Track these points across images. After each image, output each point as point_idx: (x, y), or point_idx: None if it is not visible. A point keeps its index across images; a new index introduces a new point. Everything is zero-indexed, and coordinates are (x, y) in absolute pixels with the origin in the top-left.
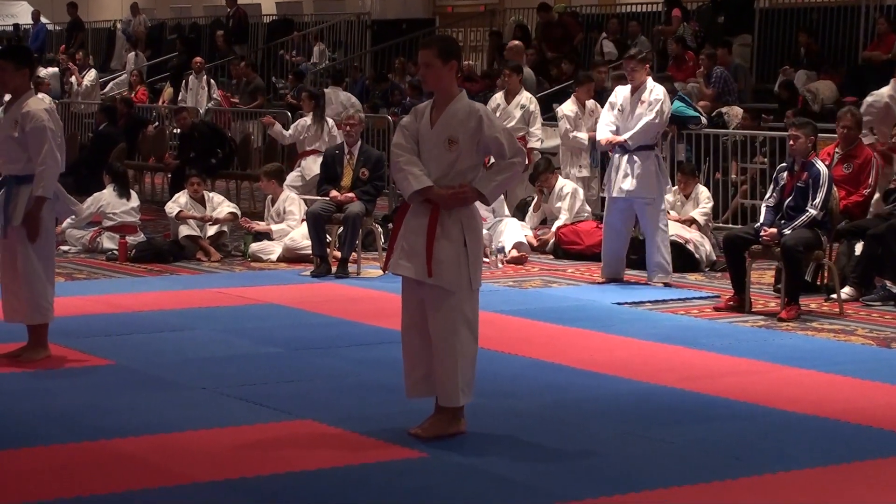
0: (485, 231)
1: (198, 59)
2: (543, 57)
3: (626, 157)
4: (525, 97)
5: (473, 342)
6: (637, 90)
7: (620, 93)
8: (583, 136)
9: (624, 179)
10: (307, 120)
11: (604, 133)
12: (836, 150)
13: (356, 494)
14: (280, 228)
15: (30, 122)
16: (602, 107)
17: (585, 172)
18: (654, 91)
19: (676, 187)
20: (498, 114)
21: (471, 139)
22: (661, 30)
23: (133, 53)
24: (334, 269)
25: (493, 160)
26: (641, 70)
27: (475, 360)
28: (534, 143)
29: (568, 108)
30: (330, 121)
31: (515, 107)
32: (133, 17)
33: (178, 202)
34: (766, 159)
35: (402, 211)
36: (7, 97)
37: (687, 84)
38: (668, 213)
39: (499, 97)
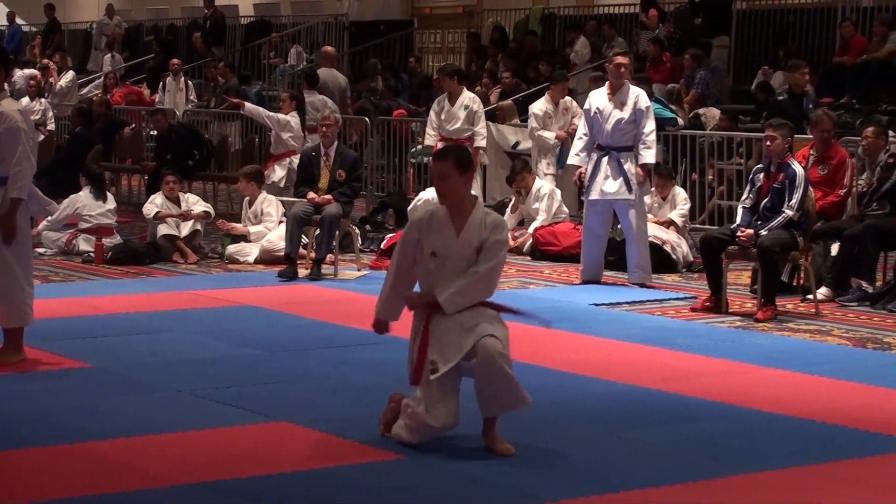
0: None
1: (175, 60)
2: (520, 59)
3: (606, 158)
4: (468, 97)
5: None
6: (615, 92)
7: (595, 98)
8: (549, 135)
9: (605, 182)
10: (291, 120)
11: (573, 160)
12: (811, 152)
13: (334, 496)
14: (257, 230)
15: (3, 123)
16: (576, 104)
17: (552, 170)
18: (641, 98)
19: (654, 189)
20: (443, 116)
21: (483, 244)
22: (642, 22)
23: (109, 55)
24: (305, 270)
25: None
26: (626, 70)
27: None
28: (479, 143)
29: (538, 106)
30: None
31: (459, 108)
32: (109, 18)
33: (155, 203)
34: (742, 160)
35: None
36: None
37: (666, 86)
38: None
39: (441, 99)
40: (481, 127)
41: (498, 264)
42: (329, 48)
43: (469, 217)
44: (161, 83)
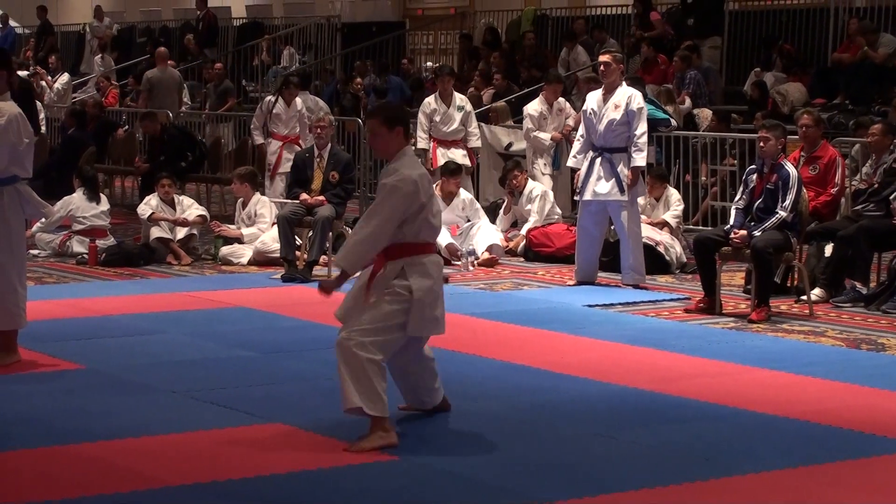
0: (452, 237)
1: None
2: (512, 61)
3: (599, 159)
4: (459, 98)
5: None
6: (609, 93)
7: (591, 98)
8: (544, 136)
9: (598, 182)
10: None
11: (571, 162)
12: (802, 153)
13: (327, 497)
14: (251, 232)
15: None
16: (570, 105)
17: (547, 171)
18: (634, 99)
19: (647, 190)
20: (438, 118)
21: None
22: (645, 23)
23: (99, 56)
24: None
25: None
26: (615, 68)
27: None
28: (475, 143)
29: (533, 107)
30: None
31: (454, 109)
32: (98, 21)
33: (150, 204)
34: (735, 161)
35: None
36: None
37: (660, 86)
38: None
39: (433, 101)
40: (474, 127)
41: (374, 213)
42: (162, 49)
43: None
44: None
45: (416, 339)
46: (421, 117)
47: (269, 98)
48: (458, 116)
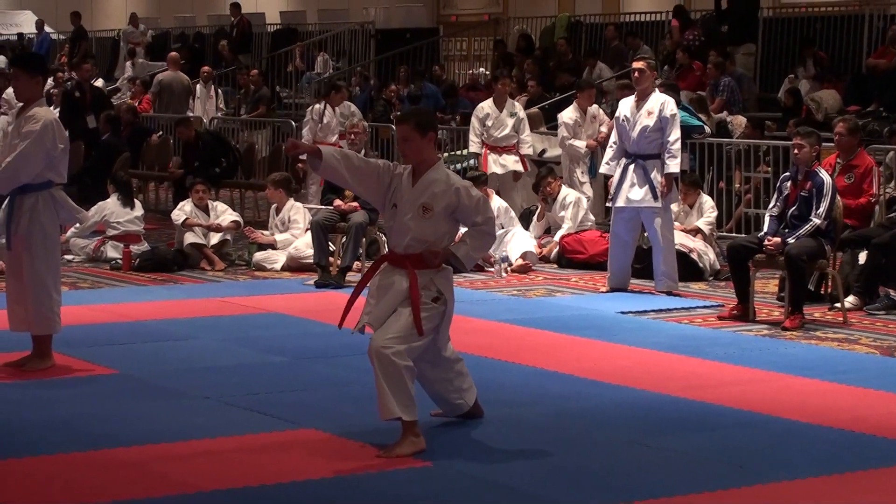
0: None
1: (206, 67)
2: (545, 67)
3: (632, 166)
4: (515, 105)
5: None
6: (642, 99)
7: (624, 105)
8: (580, 144)
9: (631, 189)
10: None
11: (604, 169)
12: (838, 160)
13: (360, 503)
14: (285, 238)
15: (27, 124)
16: (603, 111)
17: (586, 178)
18: (667, 105)
19: (680, 197)
20: (489, 123)
21: (445, 209)
22: (668, 42)
23: (129, 62)
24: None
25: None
26: (649, 75)
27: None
28: (526, 150)
29: (567, 115)
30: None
31: (506, 115)
32: (133, 27)
33: (184, 210)
34: (769, 168)
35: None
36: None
37: (694, 93)
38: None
39: (487, 106)
40: (527, 135)
41: (489, 217)
42: (173, 53)
43: (424, 175)
44: None
45: (432, 344)
46: (474, 122)
47: (317, 106)
48: (510, 122)
